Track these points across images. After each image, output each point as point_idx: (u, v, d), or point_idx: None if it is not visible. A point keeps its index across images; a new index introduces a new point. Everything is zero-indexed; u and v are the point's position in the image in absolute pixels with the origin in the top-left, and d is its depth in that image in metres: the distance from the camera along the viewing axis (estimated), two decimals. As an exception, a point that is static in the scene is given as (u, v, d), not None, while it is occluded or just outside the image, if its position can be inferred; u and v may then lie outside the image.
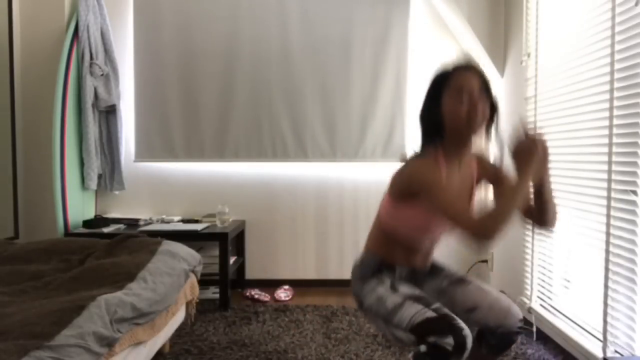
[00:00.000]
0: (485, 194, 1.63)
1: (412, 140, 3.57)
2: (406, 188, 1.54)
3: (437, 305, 1.46)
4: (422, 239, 1.64)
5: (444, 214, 1.39)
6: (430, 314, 1.42)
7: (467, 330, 1.40)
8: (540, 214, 1.54)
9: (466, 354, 1.39)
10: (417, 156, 1.59)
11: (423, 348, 1.40)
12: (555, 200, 1.54)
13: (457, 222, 1.34)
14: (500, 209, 1.33)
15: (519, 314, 1.61)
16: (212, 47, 3.55)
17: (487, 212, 1.32)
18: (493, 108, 1.53)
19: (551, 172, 1.49)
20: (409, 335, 1.45)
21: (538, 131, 1.46)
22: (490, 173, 1.67)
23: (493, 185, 1.68)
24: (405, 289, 1.55)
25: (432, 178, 1.44)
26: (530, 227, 2.70)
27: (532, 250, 2.68)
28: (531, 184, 1.44)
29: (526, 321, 2.68)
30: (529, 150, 1.40)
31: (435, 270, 1.74)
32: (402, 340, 1.50)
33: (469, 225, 1.31)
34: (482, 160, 1.67)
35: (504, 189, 1.44)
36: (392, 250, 1.65)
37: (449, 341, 1.37)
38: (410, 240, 1.64)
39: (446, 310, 1.44)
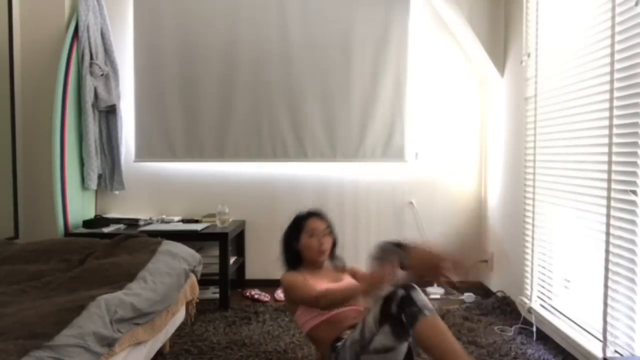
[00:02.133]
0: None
1: (411, 140, 3.58)
2: (286, 296, 2.15)
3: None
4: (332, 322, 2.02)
5: (298, 298, 2.00)
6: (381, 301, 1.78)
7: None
8: None
9: (417, 292, 1.75)
10: (286, 272, 2.18)
11: (394, 308, 1.73)
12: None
13: (304, 300, 1.96)
14: (336, 294, 1.87)
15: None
16: (212, 46, 3.55)
17: (328, 291, 1.88)
18: (334, 242, 2.22)
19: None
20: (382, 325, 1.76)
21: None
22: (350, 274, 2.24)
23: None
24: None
25: (291, 279, 2.06)
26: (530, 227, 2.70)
27: (532, 250, 2.68)
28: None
29: (526, 321, 2.69)
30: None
31: None
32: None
33: (310, 299, 1.92)
34: (336, 271, 2.24)
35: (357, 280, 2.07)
36: (323, 330, 2.01)
37: (400, 292, 1.75)
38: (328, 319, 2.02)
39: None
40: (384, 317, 1.74)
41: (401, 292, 1.74)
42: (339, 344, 1.90)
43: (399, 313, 1.71)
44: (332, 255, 2.24)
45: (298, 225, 2.20)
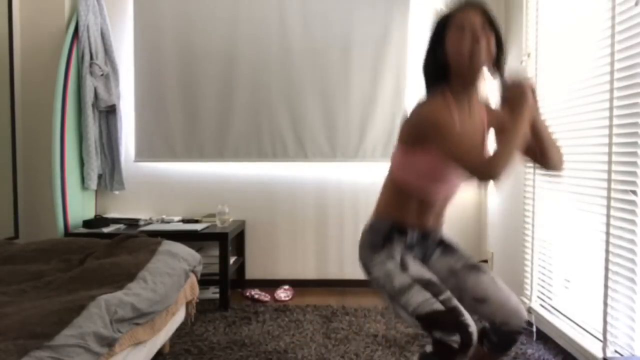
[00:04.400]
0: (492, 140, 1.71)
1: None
2: (417, 132, 1.48)
3: (445, 295, 1.43)
4: (435, 189, 1.57)
5: (453, 154, 1.37)
6: (437, 305, 1.40)
7: (473, 327, 1.39)
8: (544, 155, 1.54)
9: (471, 351, 1.38)
10: (425, 100, 1.52)
11: (429, 348, 1.41)
12: (556, 140, 1.55)
13: (464, 162, 1.34)
14: (502, 150, 1.33)
15: (525, 315, 1.62)
16: (212, 46, 3.55)
17: (492, 153, 1.33)
18: (499, 44, 1.51)
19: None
20: (414, 320, 1.45)
21: (524, 77, 1.45)
22: (496, 120, 1.66)
23: (498, 131, 1.67)
24: (415, 269, 1.51)
25: (442, 119, 1.41)
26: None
27: (532, 250, 2.68)
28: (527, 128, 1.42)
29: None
30: (521, 95, 1.40)
31: (449, 248, 1.68)
32: (405, 320, 1.50)
33: (476, 164, 1.32)
34: (489, 107, 1.68)
35: (506, 132, 1.39)
36: (404, 209, 1.58)
37: (456, 339, 1.35)
38: (423, 192, 1.56)
39: (454, 303, 1.42)
40: (422, 320, 1.43)
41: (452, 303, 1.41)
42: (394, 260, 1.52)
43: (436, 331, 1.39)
44: (498, 68, 1.55)
45: (442, 25, 1.58)
